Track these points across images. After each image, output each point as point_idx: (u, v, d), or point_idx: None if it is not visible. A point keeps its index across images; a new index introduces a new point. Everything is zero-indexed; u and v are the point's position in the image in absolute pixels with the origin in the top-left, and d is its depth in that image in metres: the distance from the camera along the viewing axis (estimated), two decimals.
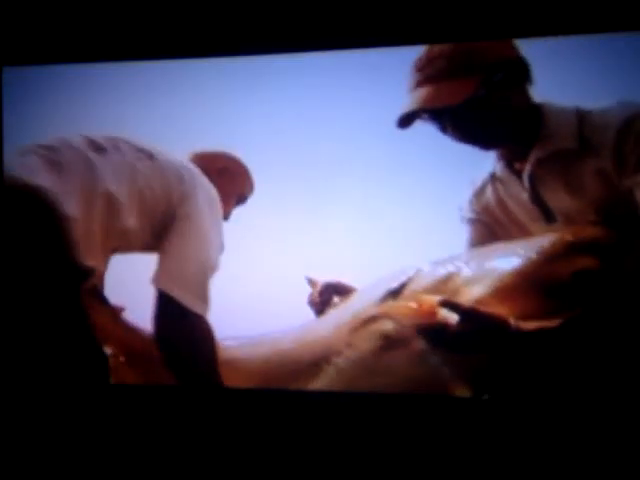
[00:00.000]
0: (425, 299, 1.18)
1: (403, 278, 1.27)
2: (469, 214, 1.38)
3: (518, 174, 1.27)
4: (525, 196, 1.26)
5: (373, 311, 1.25)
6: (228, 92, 1.42)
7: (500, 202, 1.32)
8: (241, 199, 1.45)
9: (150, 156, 1.32)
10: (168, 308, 1.26)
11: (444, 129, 1.26)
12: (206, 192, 1.34)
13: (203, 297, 1.28)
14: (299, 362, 1.29)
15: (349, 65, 1.35)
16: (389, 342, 1.21)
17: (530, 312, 1.13)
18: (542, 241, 1.20)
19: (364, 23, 1.33)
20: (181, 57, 1.42)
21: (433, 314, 1.16)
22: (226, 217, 1.41)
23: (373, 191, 1.37)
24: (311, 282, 1.40)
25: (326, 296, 1.36)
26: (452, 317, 1.15)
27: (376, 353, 1.22)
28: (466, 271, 1.22)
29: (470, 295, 1.18)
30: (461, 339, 1.15)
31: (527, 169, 1.24)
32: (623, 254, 1.13)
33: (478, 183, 1.36)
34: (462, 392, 1.19)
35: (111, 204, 1.25)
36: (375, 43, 1.31)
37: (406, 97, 1.24)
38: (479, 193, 1.36)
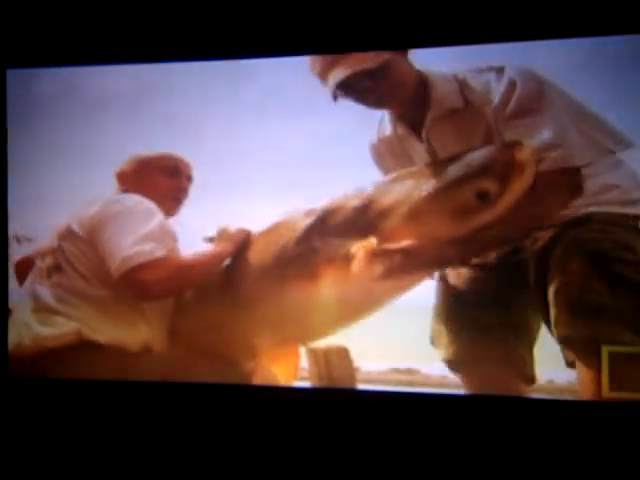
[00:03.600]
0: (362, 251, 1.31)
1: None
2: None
3: (418, 132, 1.44)
4: (422, 148, 1.44)
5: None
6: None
7: (403, 154, 1.48)
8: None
9: None
10: None
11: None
12: None
13: None
14: None
15: None
16: None
17: (443, 232, 1.26)
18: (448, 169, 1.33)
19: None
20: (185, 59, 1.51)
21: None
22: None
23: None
24: None
25: None
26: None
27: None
28: (380, 201, 1.32)
29: (389, 226, 1.29)
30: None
31: (425, 126, 1.43)
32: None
33: (386, 132, 1.49)
34: None
35: None
36: None
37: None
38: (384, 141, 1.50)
